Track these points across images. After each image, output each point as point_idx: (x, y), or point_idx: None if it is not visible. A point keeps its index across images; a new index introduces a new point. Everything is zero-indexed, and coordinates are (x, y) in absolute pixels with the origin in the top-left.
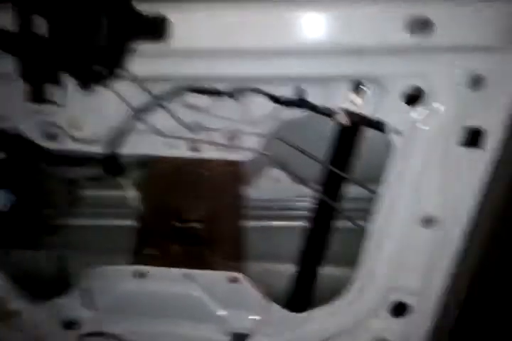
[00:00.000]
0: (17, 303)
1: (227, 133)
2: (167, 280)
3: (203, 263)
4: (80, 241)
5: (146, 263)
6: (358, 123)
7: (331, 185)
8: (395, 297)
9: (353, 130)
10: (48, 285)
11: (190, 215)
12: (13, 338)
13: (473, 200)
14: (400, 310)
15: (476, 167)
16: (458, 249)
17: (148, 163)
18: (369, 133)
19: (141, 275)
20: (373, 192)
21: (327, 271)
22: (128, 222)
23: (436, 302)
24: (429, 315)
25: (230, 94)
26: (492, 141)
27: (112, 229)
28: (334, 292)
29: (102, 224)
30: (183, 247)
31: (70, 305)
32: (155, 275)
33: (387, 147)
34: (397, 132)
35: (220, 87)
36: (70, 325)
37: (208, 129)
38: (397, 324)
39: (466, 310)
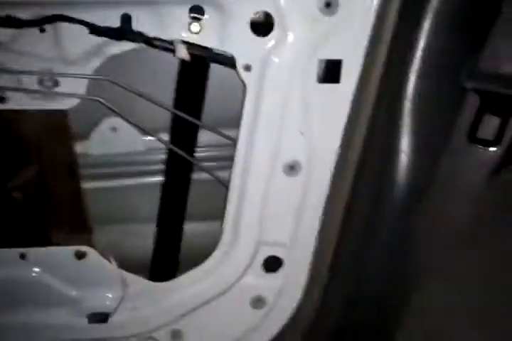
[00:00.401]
0: None
1: (40, 75)
2: None
3: (44, 239)
4: None
5: None
6: (202, 57)
7: (180, 133)
8: (266, 252)
9: (197, 66)
10: None
11: (11, 183)
12: None
13: (336, 140)
14: (272, 264)
15: (336, 103)
16: (324, 196)
17: None
18: (220, 70)
19: None
20: (230, 138)
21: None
22: None
23: (307, 254)
24: (302, 268)
25: (33, 24)
26: (351, 73)
27: None
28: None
29: None
30: (12, 223)
31: None
32: None
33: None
34: (247, 67)
35: (22, 15)
36: None
37: (13, 72)
38: (272, 279)
39: (337, 260)
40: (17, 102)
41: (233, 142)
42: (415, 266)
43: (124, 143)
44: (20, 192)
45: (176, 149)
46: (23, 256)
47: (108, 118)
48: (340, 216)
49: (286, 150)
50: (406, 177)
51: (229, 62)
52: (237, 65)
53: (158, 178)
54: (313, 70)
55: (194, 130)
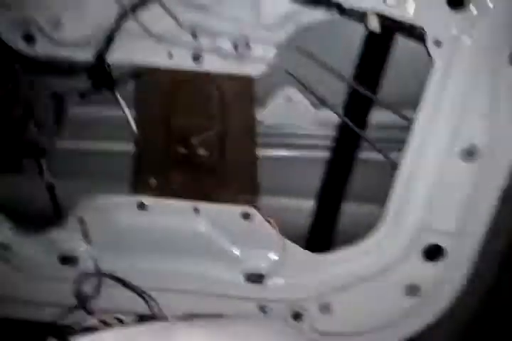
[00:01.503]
0: (4, 236)
1: (236, 39)
2: (172, 214)
3: (211, 195)
4: (70, 167)
5: (145, 193)
6: (392, 29)
7: (356, 108)
8: (429, 239)
9: (384, 39)
10: (38, 217)
11: (196, 139)
12: (11, 276)
13: None
14: (433, 253)
15: None
16: (502, 185)
17: (145, 75)
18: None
19: (143, 206)
20: (406, 118)
21: (349, 209)
22: (125, 146)
23: (474, 246)
24: (467, 259)
25: None
26: None
27: (106, 154)
28: (357, 232)
29: (95, 147)
30: (189, 176)
31: (65, 238)
32: (159, 207)
33: (426, 62)
34: (437, 42)
35: None
36: (66, 260)
37: (212, 34)
38: (430, 269)
39: (509, 253)
40: (210, 64)
41: (408, 122)
42: None
43: (297, 115)
44: (202, 149)
45: (348, 122)
46: (196, 210)
47: (285, 88)
48: None
49: (466, 134)
50: None
51: (418, 35)
52: (426, 39)
53: (324, 154)
54: (506, 53)
55: (368, 106)
